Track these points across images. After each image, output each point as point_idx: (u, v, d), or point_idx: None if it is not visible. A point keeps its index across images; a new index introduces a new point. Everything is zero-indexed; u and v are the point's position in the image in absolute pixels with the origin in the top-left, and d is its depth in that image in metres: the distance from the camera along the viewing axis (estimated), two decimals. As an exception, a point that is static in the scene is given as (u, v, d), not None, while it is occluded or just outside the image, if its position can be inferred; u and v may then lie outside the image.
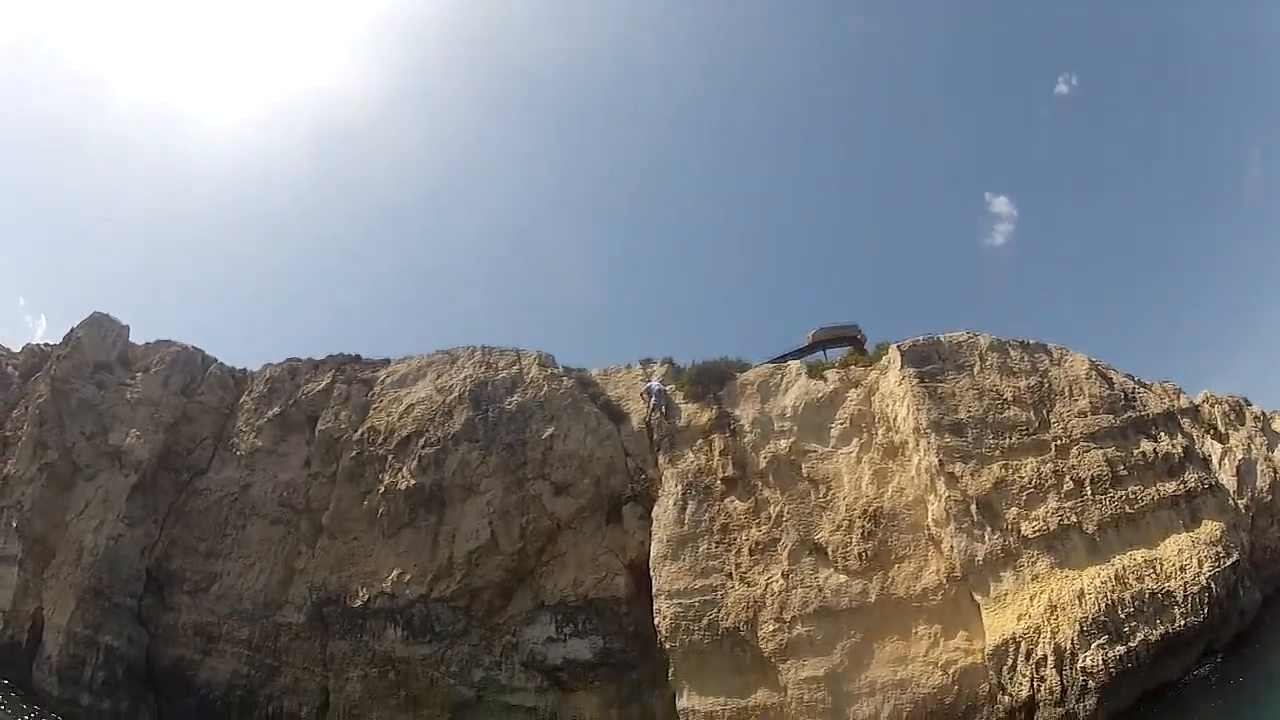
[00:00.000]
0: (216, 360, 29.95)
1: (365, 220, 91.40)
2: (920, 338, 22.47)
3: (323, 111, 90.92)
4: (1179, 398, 25.55)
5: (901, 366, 21.55)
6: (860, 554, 19.33)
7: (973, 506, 19.07)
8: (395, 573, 22.77)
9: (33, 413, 28.02)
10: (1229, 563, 18.54)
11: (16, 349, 33.76)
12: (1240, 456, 26.07)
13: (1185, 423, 24.58)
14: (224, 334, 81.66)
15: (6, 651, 24.72)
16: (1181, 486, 20.27)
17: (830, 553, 19.55)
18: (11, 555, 25.98)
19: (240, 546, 25.62)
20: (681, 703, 18.80)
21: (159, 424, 27.51)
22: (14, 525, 26.12)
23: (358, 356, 28.16)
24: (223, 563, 25.54)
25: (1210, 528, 19.38)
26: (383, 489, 23.82)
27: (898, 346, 22.19)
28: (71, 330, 30.21)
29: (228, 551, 25.65)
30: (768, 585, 19.36)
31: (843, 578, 19.15)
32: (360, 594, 23.05)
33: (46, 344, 33.13)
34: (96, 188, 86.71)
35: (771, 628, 18.73)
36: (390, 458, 24.26)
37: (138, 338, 30.94)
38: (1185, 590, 17.56)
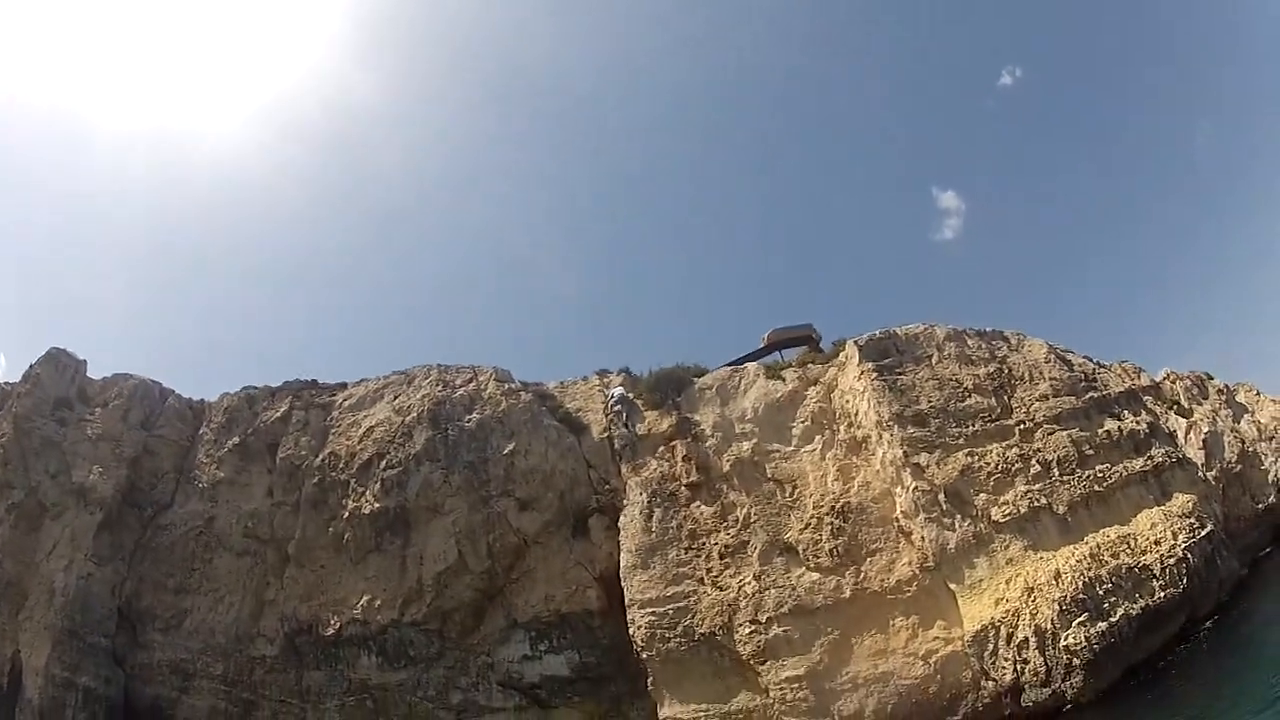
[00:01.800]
0: (174, 392, 29.41)
1: (336, 241, 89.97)
2: (877, 331, 22.43)
3: (306, 123, 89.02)
4: (1139, 376, 25.74)
5: (860, 361, 21.47)
6: (831, 550, 19.23)
7: (940, 496, 19.04)
8: (365, 599, 22.39)
9: (-3, 453, 27.43)
10: (1203, 533, 18.68)
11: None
12: (1206, 430, 26.34)
13: (1148, 400, 24.77)
14: (179, 361, 79.86)
15: (-12, 695, 24.17)
16: (1149, 462, 20.42)
17: (801, 551, 19.43)
18: (-16, 598, 25.39)
19: (208, 580, 25.12)
20: (663, 712, 18.59)
21: (121, 459, 26.95)
22: (-15, 567, 25.50)
23: (314, 381, 27.72)
24: (192, 598, 25.05)
25: (1181, 500, 19.53)
26: (347, 514, 23.39)
27: (855, 341, 22.11)
28: (30, 367, 29.51)
29: (196, 586, 25.16)
30: (740, 588, 19.19)
31: (815, 575, 19.03)
32: (332, 622, 22.67)
33: (6, 382, 32.42)
34: (53, 217, 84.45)
35: (748, 630, 18.56)
36: (353, 482, 23.82)
37: (101, 365, 30.45)
38: (1162, 563, 17.65)
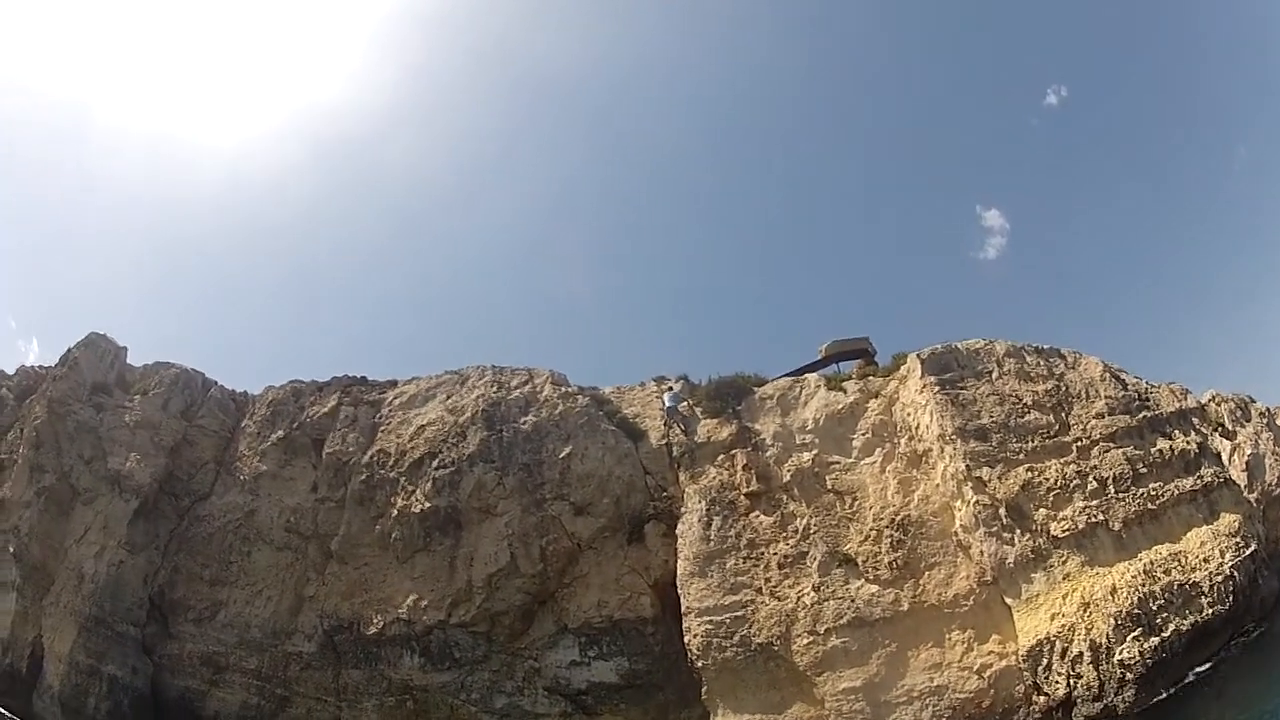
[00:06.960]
0: (216, 383, 29.23)
1: (370, 236, 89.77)
2: (938, 346, 22.31)
3: (325, 125, 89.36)
4: (1187, 398, 25.69)
5: (922, 375, 21.37)
6: (890, 563, 19.16)
7: (1001, 510, 18.97)
8: (411, 599, 22.16)
9: (29, 435, 27.03)
10: (1249, 552, 18.71)
11: (9, 372, 32.54)
12: (1249, 452, 26.48)
13: (1195, 421, 24.75)
14: (223, 355, 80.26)
15: (6, 680, 24.06)
16: (1199, 481, 20.33)
17: (860, 563, 19.35)
18: (9, 581, 25.21)
19: (246, 574, 24.90)
20: (717, 720, 18.45)
21: (160, 447, 26.73)
22: (11, 550, 25.31)
23: (364, 378, 27.46)
24: (228, 590, 24.83)
25: (1228, 520, 19.47)
26: (395, 512, 23.14)
27: (917, 355, 21.99)
28: (68, 351, 29.29)
29: (233, 579, 24.93)
30: (799, 598, 19.10)
31: (874, 588, 18.97)
32: (374, 621, 22.43)
33: (42, 366, 32.19)
34: (89, 209, 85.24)
35: (806, 641, 18.49)
36: (402, 480, 23.55)
37: (135, 359, 30.19)
38: (1210, 580, 17.75)
